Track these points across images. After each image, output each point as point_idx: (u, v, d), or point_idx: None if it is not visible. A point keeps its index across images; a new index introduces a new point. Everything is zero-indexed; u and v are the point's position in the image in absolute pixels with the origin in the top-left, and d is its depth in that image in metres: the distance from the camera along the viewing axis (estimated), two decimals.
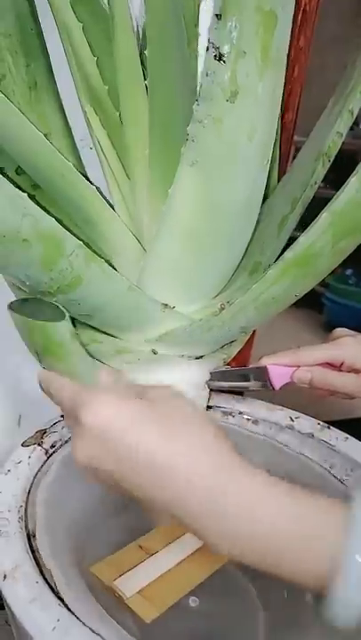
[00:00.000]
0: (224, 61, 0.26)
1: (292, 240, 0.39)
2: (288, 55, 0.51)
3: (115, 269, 0.33)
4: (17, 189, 0.26)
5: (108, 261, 0.32)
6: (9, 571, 0.27)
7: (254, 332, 0.66)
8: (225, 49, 0.26)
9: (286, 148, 0.59)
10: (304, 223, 0.35)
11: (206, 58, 0.27)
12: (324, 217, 0.30)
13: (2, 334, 0.52)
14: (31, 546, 0.30)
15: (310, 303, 1.94)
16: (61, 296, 0.31)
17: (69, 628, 0.24)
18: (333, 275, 1.89)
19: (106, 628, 0.24)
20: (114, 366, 0.40)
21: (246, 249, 0.39)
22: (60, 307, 0.33)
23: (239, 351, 0.64)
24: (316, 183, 0.39)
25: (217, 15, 0.25)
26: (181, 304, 0.37)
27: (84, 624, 0.25)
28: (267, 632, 0.33)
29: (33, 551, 0.30)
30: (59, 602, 0.26)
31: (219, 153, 0.29)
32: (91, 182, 0.39)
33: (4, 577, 0.27)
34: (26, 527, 0.32)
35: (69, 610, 0.26)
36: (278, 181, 0.43)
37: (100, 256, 0.31)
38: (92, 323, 0.36)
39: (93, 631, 0.24)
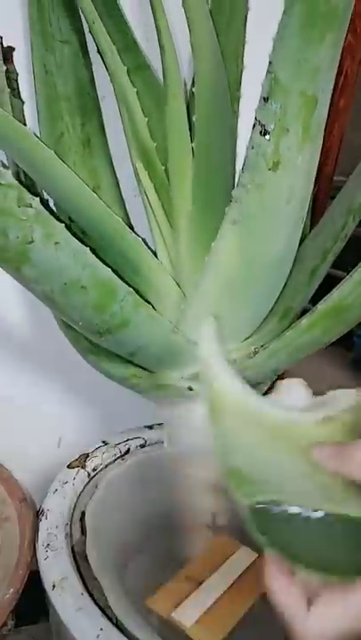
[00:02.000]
0: (268, 137, 0.29)
1: (325, 280, 0.41)
2: (329, 115, 0.55)
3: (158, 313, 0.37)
4: (81, 244, 0.29)
5: (152, 305, 0.35)
6: (57, 581, 0.30)
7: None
8: (270, 127, 0.29)
9: (324, 198, 0.62)
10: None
11: (252, 132, 0.30)
12: (356, 275, 0.33)
13: (45, 361, 0.55)
14: (75, 560, 0.33)
15: (340, 340, 1.93)
16: (109, 336, 0.34)
17: (111, 636, 0.27)
18: None
19: (146, 636, 0.26)
20: (150, 398, 0.43)
21: (279, 295, 0.42)
22: None
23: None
24: (346, 236, 0.42)
25: (264, 98, 0.29)
26: None
27: (123, 633, 0.27)
28: None
29: (77, 565, 0.33)
30: (100, 612, 0.28)
31: (259, 214, 0.32)
32: (135, 231, 0.43)
33: (53, 586, 0.30)
34: (72, 543, 0.34)
35: (110, 619, 0.28)
36: (310, 229, 0.46)
37: (146, 301, 0.34)
38: (134, 360, 0.39)
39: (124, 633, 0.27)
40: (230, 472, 0.29)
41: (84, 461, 0.42)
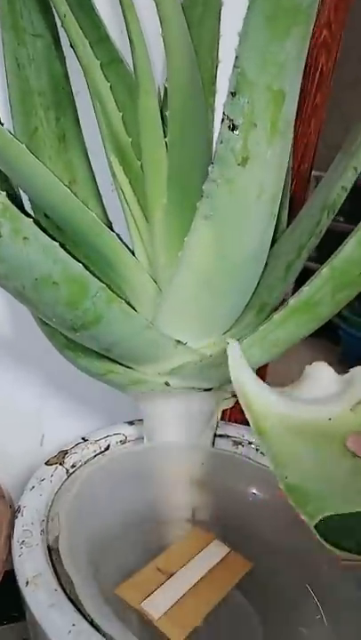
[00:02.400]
0: (237, 132, 0.30)
1: (302, 274, 0.42)
2: (305, 111, 0.55)
3: (133, 308, 0.37)
4: (51, 239, 0.29)
5: (127, 301, 0.35)
6: (31, 578, 0.30)
7: (266, 365, 0.68)
8: (238, 121, 0.29)
9: (302, 194, 0.62)
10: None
11: (221, 127, 0.30)
12: (324, 271, 0.33)
13: (24, 357, 0.55)
14: (51, 556, 0.33)
15: (327, 334, 1.95)
16: (84, 331, 0.34)
17: (83, 631, 0.27)
18: (350, 307, 1.91)
19: (116, 632, 0.26)
20: (128, 394, 0.43)
21: (255, 291, 0.42)
22: None
23: None
24: (321, 232, 0.42)
25: (232, 93, 0.29)
26: (193, 340, 0.40)
27: (96, 629, 0.28)
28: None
29: (52, 561, 0.33)
30: (74, 608, 0.28)
31: (230, 209, 0.33)
32: (112, 227, 0.43)
33: (27, 583, 0.30)
34: (46, 539, 0.34)
35: (83, 615, 0.28)
36: (288, 225, 0.47)
37: (119, 296, 0.34)
38: (110, 355, 0.39)
39: (105, 635, 0.27)
40: (288, 489, 0.29)
41: (63, 458, 0.42)
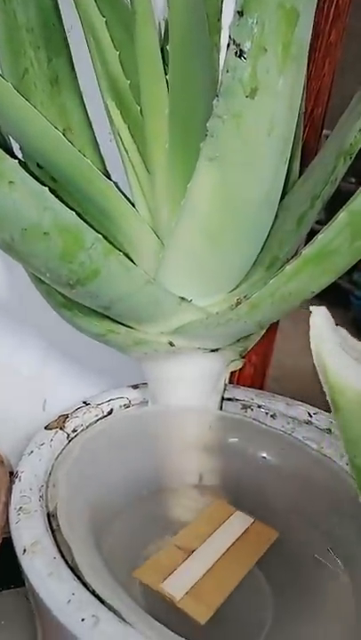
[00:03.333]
0: (245, 58, 0.26)
1: (311, 234, 0.39)
2: (319, 50, 0.51)
3: (133, 263, 0.34)
4: (39, 184, 0.27)
5: (126, 255, 0.33)
6: (28, 546, 0.29)
7: (275, 327, 0.66)
8: (246, 45, 0.26)
9: (314, 144, 0.58)
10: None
11: (227, 54, 0.27)
12: (342, 216, 0.30)
13: (25, 321, 0.53)
14: (50, 524, 0.31)
15: (338, 300, 1.92)
16: (80, 288, 0.32)
17: (83, 601, 0.25)
18: None
19: (118, 601, 0.25)
20: (131, 356, 0.41)
21: (264, 244, 0.39)
22: None
23: (261, 348, 0.64)
24: (336, 180, 0.39)
25: (238, 12, 0.26)
26: (198, 298, 0.37)
27: (97, 598, 0.26)
28: (275, 618, 0.34)
29: (52, 529, 0.31)
30: (74, 577, 0.27)
31: (238, 148, 0.29)
32: (110, 177, 0.40)
33: (24, 551, 0.28)
34: (46, 506, 0.33)
35: (84, 584, 0.27)
36: (299, 176, 0.43)
37: (118, 249, 0.31)
38: (109, 314, 0.37)
39: (106, 604, 0.25)
40: (355, 469, 0.27)
41: (63, 422, 0.40)
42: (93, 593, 0.26)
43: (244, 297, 0.36)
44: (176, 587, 0.32)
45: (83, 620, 0.24)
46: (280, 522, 0.38)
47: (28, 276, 0.41)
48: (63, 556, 0.29)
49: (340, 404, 0.27)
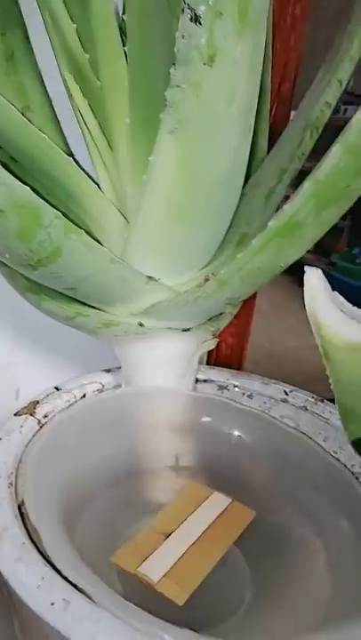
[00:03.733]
0: (200, 23, 0.25)
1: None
2: (284, 25, 0.50)
3: (99, 242, 0.33)
4: None
5: (90, 234, 0.32)
6: None
7: (252, 308, 0.66)
8: (200, 10, 0.25)
9: (282, 120, 0.58)
10: None
11: (181, 20, 0.26)
12: (306, 185, 0.30)
13: (4, 315, 0.52)
14: (20, 512, 0.31)
15: None
16: (42, 269, 0.31)
17: (53, 585, 0.25)
18: (340, 254, 1.88)
19: (90, 585, 0.24)
20: (102, 339, 0.41)
21: (233, 221, 0.38)
22: None
23: (237, 330, 0.64)
24: (303, 154, 0.38)
25: None
26: (166, 277, 0.37)
27: (67, 581, 0.26)
28: (254, 594, 0.34)
29: (22, 516, 0.30)
30: (44, 562, 0.26)
31: (198, 119, 0.29)
32: (72, 156, 0.39)
33: None
34: (16, 495, 0.32)
35: (55, 569, 0.26)
36: (268, 153, 0.43)
37: (83, 229, 0.30)
38: (76, 296, 0.36)
39: (77, 587, 0.25)
40: (341, 408, 0.31)
41: (34, 408, 0.40)
42: (64, 577, 0.26)
43: (212, 274, 0.35)
44: (153, 570, 0.32)
45: (52, 604, 0.24)
46: (257, 500, 0.38)
47: None
48: (33, 543, 0.28)
49: (331, 357, 0.30)
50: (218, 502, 0.38)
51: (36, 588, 0.25)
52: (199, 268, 0.39)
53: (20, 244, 0.29)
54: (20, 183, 0.27)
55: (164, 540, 0.34)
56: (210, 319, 0.42)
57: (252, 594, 0.33)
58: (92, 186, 0.35)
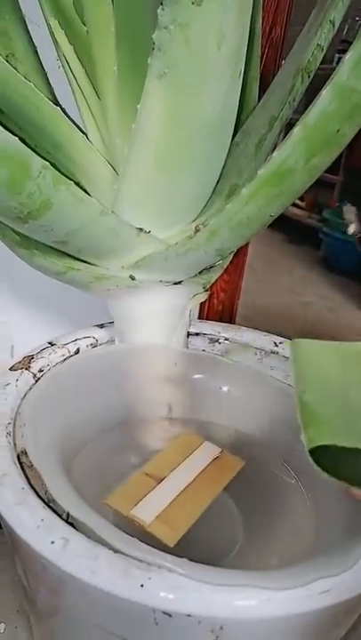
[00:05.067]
0: None
1: None
2: None
3: (88, 194, 0.33)
4: None
5: (80, 187, 0.32)
6: None
7: (243, 263, 0.66)
8: None
9: (274, 66, 0.56)
10: None
11: None
12: (296, 131, 0.30)
13: None
14: (19, 460, 0.32)
15: (308, 239, 1.93)
16: (32, 222, 0.31)
17: (52, 525, 0.26)
18: (331, 209, 1.87)
19: (90, 522, 0.26)
20: (94, 294, 0.41)
21: (223, 172, 0.38)
22: None
23: (229, 285, 0.64)
24: (294, 100, 0.37)
25: None
26: (157, 229, 0.37)
27: (66, 522, 0.27)
28: (245, 537, 0.35)
29: (21, 464, 0.31)
30: (43, 504, 0.27)
31: (187, 63, 0.28)
32: (59, 104, 0.38)
33: None
34: (14, 445, 0.33)
35: (54, 511, 0.27)
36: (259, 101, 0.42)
37: (76, 183, 0.30)
38: (67, 250, 0.36)
39: (74, 527, 0.26)
40: (301, 404, 0.27)
41: (29, 363, 0.40)
42: (63, 518, 0.27)
43: (203, 225, 0.35)
44: (146, 512, 0.33)
45: (52, 542, 0.25)
46: (247, 452, 0.39)
47: None
48: (32, 488, 0.29)
49: (297, 348, 0.28)
50: (208, 451, 0.40)
51: (36, 529, 0.26)
52: (190, 220, 0.39)
53: (8, 197, 0.29)
54: (8, 133, 0.26)
55: (156, 485, 0.36)
56: (201, 272, 0.42)
57: (244, 536, 0.35)
58: (81, 136, 0.35)
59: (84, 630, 0.29)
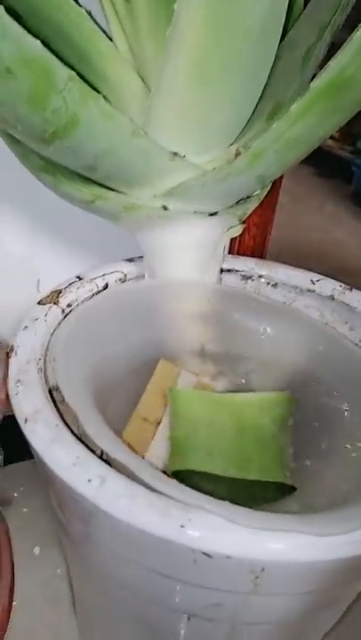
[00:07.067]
0: None
1: None
2: None
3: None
4: None
5: (107, 100, 0.28)
6: (30, 415, 0.28)
7: (276, 195, 0.62)
8: None
9: None
10: None
11: None
12: (358, 35, 0.26)
13: (8, 195, 0.50)
14: (52, 397, 0.31)
15: (339, 172, 1.83)
16: (58, 142, 0.28)
17: (89, 463, 0.25)
18: None
19: (129, 463, 0.25)
20: (123, 225, 0.38)
21: (265, 89, 0.34)
22: None
23: (260, 219, 0.61)
24: (348, 5, 0.33)
25: None
26: (193, 153, 0.33)
27: (102, 459, 0.26)
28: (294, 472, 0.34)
29: (54, 400, 0.31)
30: (78, 441, 0.27)
31: None
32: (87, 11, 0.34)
33: (25, 421, 0.28)
34: (46, 380, 0.32)
35: (89, 448, 0.27)
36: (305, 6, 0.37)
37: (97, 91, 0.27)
38: (95, 177, 0.33)
39: (112, 465, 0.25)
40: (173, 442, 0.33)
41: (57, 298, 0.39)
42: (99, 456, 0.26)
43: (244, 147, 0.32)
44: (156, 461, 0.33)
45: (89, 480, 0.24)
46: (279, 388, 0.38)
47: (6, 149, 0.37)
48: (66, 425, 0.28)
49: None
50: (188, 381, 0.39)
51: (72, 466, 0.25)
52: (228, 143, 0.35)
53: (32, 112, 0.26)
54: (31, 37, 0.23)
55: (154, 429, 0.35)
56: (237, 202, 0.39)
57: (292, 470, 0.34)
58: (108, 43, 0.31)
59: (117, 561, 0.29)
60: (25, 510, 0.59)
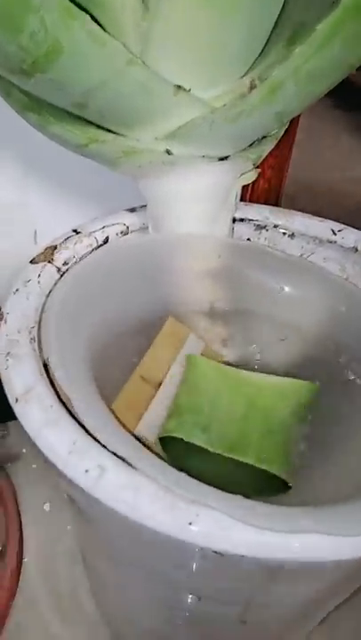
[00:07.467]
0: None
1: None
2: None
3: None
4: None
5: (96, 21, 0.24)
6: (20, 394, 0.25)
7: (294, 133, 0.56)
8: None
9: None
10: None
11: None
12: None
13: (12, 147, 0.45)
14: (47, 370, 0.28)
15: (358, 103, 1.71)
16: (40, 75, 0.24)
17: (86, 450, 0.22)
18: None
19: (130, 456, 0.22)
20: (123, 172, 0.34)
21: (283, 9, 0.29)
22: None
23: (276, 160, 0.56)
24: None
25: None
26: (199, 87, 0.29)
27: (103, 445, 0.23)
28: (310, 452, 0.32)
29: (48, 375, 0.28)
30: (75, 423, 0.24)
31: None
32: None
33: (16, 400, 0.25)
34: (40, 352, 0.29)
35: (87, 432, 0.24)
36: None
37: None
38: (87, 115, 0.29)
39: (114, 452, 0.23)
40: (173, 407, 0.31)
41: (52, 255, 0.35)
42: (97, 440, 0.24)
43: (260, 79, 0.27)
44: (150, 430, 0.30)
45: (87, 471, 0.22)
46: (303, 351, 0.35)
47: None
48: (62, 403, 0.26)
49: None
50: (195, 344, 0.36)
51: (68, 454, 0.22)
52: (240, 74, 0.30)
53: (7, 39, 0.22)
54: None
55: (153, 391, 0.32)
56: (251, 145, 0.34)
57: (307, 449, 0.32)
58: None
59: (122, 550, 0.27)
60: (34, 466, 0.58)
